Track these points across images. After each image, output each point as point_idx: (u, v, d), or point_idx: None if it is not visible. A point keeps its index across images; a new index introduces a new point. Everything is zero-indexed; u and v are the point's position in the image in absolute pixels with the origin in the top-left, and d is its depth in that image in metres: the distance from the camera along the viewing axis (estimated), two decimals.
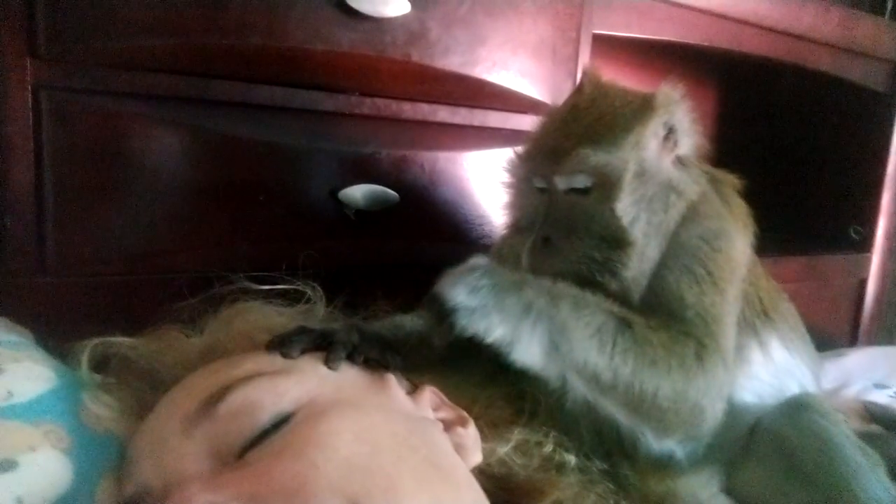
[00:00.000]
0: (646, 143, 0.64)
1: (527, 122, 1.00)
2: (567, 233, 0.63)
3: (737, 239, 0.68)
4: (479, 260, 0.60)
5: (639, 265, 0.63)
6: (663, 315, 0.62)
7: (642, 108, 0.64)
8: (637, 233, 0.63)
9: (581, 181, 0.63)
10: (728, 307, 0.64)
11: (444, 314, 0.55)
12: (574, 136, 0.64)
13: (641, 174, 0.63)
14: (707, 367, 0.60)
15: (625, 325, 0.59)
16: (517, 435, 0.58)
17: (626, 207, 0.62)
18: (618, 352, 0.57)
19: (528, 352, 0.56)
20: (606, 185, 0.63)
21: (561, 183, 0.64)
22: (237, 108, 0.82)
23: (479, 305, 0.55)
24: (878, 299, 1.59)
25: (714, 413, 0.61)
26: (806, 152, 1.68)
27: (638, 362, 0.57)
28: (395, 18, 0.85)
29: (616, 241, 0.62)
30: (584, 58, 1.03)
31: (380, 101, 0.90)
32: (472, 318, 0.55)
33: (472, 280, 0.56)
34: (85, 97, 0.72)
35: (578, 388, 0.59)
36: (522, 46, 0.97)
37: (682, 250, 0.65)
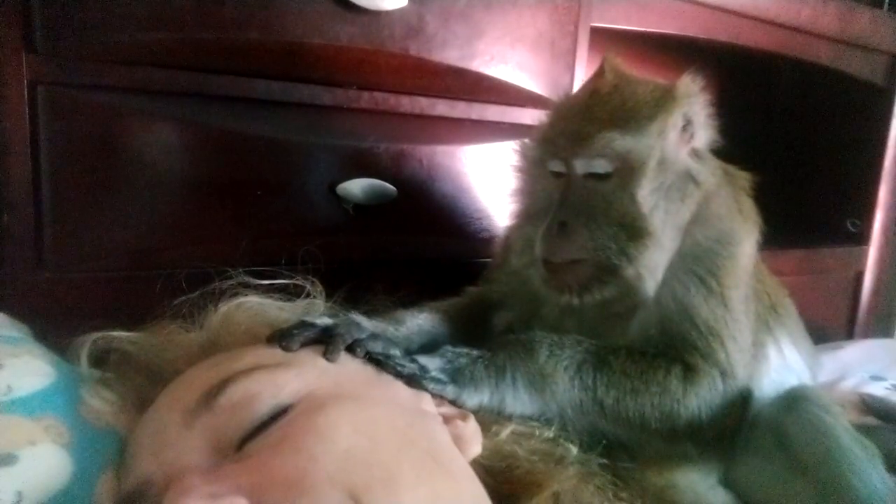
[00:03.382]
0: (668, 132, 0.64)
1: (525, 116, 1.00)
2: (584, 218, 0.63)
3: (746, 242, 0.68)
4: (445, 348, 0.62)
5: (655, 254, 0.63)
6: (668, 329, 0.64)
7: (665, 97, 0.64)
8: (656, 221, 0.63)
9: (602, 166, 0.63)
10: (732, 315, 0.65)
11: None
12: (597, 120, 0.63)
13: (662, 162, 0.63)
14: (698, 386, 0.63)
15: (603, 361, 0.62)
16: (516, 428, 0.58)
17: (646, 195, 0.62)
18: (600, 386, 0.61)
19: (519, 405, 0.60)
20: (628, 172, 0.62)
21: (581, 167, 0.64)
22: (235, 102, 0.81)
23: (453, 381, 0.58)
24: (875, 292, 1.60)
25: (721, 423, 0.64)
26: (804, 145, 1.68)
27: (620, 393, 0.61)
28: (393, 12, 0.85)
29: (635, 229, 0.62)
30: (583, 51, 1.03)
31: (378, 95, 0.90)
32: (457, 395, 0.58)
33: (440, 364, 0.59)
34: (82, 92, 0.72)
35: (576, 422, 0.61)
36: (521, 40, 0.97)
37: (699, 256, 0.65)
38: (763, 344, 0.71)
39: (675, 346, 0.64)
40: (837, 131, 1.61)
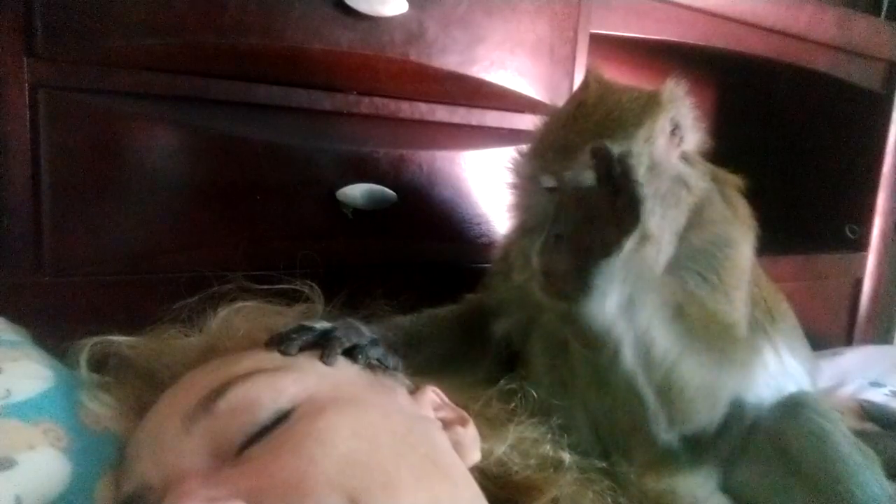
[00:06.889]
0: (655, 137, 0.63)
1: (524, 122, 1.00)
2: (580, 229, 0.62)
3: (744, 245, 0.69)
4: None
5: (654, 260, 0.63)
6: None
7: (650, 103, 0.64)
8: (652, 227, 0.62)
9: (593, 177, 0.63)
10: (737, 314, 0.65)
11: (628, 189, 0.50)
12: (584, 132, 0.63)
13: (653, 168, 0.63)
14: (734, 366, 0.62)
15: (683, 306, 0.59)
16: (514, 433, 0.58)
17: None
18: (674, 328, 0.57)
19: (611, 298, 0.52)
20: None
21: (572, 179, 0.64)
22: (235, 107, 0.82)
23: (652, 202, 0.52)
24: (874, 298, 1.60)
25: (721, 410, 0.63)
26: (802, 152, 1.69)
27: (686, 345, 0.58)
28: (394, 18, 0.85)
29: None
30: (582, 57, 1.04)
31: (378, 101, 0.90)
32: (646, 208, 0.50)
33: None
34: (83, 96, 0.72)
35: (627, 358, 0.56)
36: (520, 46, 0.97)
37: (695, 256, 0.65)
38: (759, 350, 0.70)
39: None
40: (835, 138, 1.62)
